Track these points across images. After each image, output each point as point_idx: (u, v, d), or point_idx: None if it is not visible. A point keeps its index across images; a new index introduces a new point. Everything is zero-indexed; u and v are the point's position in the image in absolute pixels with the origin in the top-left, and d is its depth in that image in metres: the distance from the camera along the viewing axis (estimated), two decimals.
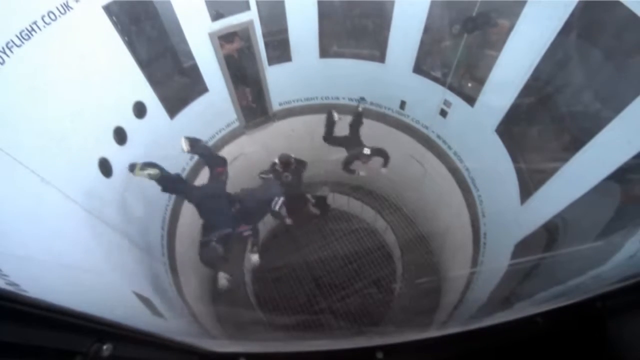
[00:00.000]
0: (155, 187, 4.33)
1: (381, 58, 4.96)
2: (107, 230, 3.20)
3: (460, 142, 4.89)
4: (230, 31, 4.44)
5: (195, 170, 5.09)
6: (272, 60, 5.05)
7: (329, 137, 5.03)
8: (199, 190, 3.94)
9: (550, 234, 3.52)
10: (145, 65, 3.87)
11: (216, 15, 4.23)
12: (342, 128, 5.02)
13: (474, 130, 4.43)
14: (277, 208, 4.12)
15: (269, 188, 4.39)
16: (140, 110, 3.88)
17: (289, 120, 5.84)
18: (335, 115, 4.88)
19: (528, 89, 3.56)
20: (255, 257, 4.11)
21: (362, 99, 5.14)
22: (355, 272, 6.61)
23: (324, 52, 5.12)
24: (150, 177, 3.58)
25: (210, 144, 5.30)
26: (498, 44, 3.72)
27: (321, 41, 4.97)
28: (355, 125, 5.02)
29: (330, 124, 4.93)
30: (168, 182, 3.73)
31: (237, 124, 5.51)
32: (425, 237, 6.58)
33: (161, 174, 3.63)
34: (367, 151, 4.67)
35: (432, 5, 4.06)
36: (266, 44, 4.82)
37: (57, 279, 2.23)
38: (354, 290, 6.30)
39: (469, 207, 4.86)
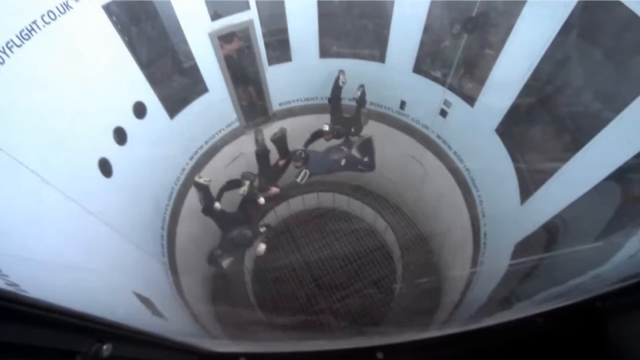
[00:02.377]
0: (154, 188, 4.33)
1: (381, 58, 4.96)
2: (107, 230, 3.20)
3: (460, 142, 4.89)
4: (230, 31, 4.44)
5: (195, 171, 5.09)
6: (272, 60, 5.05)
7: (333, 100, 5.05)
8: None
9: (550, 234, 3.52)
10: (145, 65, 3.87)
11: (216, 15, 4.23)
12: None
13: (474, 130, 4.43)
14: (301, 181, 4.23)
15: (333, 154, 4.50)
16: (140, 110, 3.88)
17: (289, 120, 5.84)
18: (342, 79, 4.89)
19: (528, 89, 3.56)
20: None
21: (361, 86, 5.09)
22: (355, 272, 6.61)
23: (324, 52, 5.12)
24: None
25: (210, 144, 5.31)
26: (498, 44, 3.72)
27: (321, 41, 4.97)
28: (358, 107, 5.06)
29: (336, 87, 4.95)
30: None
31: (237, 124, 5.51)
32: (425, 237, 6.58)
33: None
34: (326, 127, 4.72)
35: (432, 5, 4.06)
36: (266, 44, 4.82)
37: (57, 279, 2.23)
38: (354, 291, 6.30)
39: (469, 207, 4.86)
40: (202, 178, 4.22)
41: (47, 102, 2.69)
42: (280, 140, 4.84)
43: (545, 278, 3.26)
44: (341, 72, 4.91)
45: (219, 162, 5.42)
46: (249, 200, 4.40)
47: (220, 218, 4.36)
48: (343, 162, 4.49)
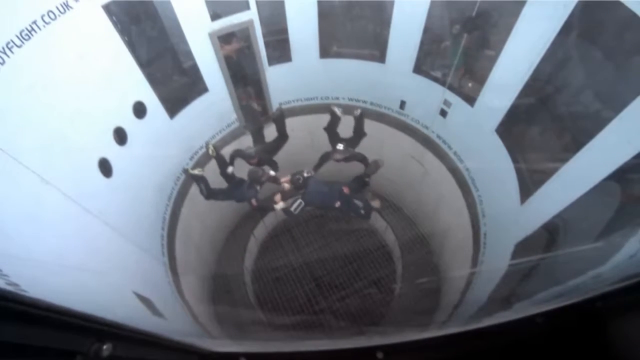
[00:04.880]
0: (154, 188, 4.34)
1: (381, 58, 4.95)
2: (107, 230, 3.20)
3: (460, 142, 4.89)
4: (229, 31, 4.44)
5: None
6: (272, 60, 5.05)
7: (331, 134, 4.94)
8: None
9: (550, 234, 3.52)
10: (145, 65, 3.87)
11: (216, 15, 4.23)
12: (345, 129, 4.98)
13: (474, 130, 4.43)
14: (295, 211, 4.30)
15: (333, 193, 4.48)
16: (140, 110, 3.88)
17: (289, 120, 5.81)
18: (338, 112, 4.81)
19: (528, 89, 3.55)
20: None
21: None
22: (355, 272, 6.61)
23: (324, 52, 5.12)
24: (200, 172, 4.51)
25: (210, 144, 5.30)
26: (498, 44, 3.72)
27: (321, 41, 4.96)
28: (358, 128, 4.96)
29: (333, 121, 4.86)
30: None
31: (237, 124, 5.51)
32: (425, 237, 6.58)
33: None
34: (339, 146, 4.66)
35: (432, 6, 4.05)
36: (266, 44, 4.82)
37: (57, 279, 2.23)
38: (354, 290, 6.30)
39: (469, 207, 4.86)
40: (196, 169, 4.54)
41: (47, 102, 2.69)
42: (279, 119, 4.87)
43: (545, 278, 3.26)
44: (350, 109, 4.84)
45: None
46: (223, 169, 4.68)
47: (223, 193, 4.66)
48: (338, 204, 4.47)
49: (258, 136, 5.02)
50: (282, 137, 4.96)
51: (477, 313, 3.90)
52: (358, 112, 4.76)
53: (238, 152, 4.70)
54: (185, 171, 4.57)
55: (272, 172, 4.52)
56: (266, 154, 4.82)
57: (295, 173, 4.36)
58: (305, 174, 4.33)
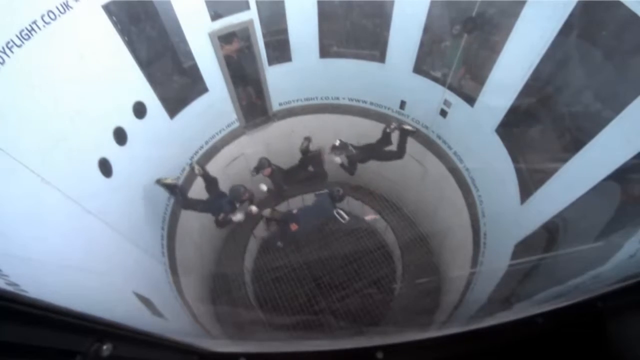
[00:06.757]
0: (154, 188, 4.34)
1: (381, 58, 4.96)
2: (107, 230, 3.20)
3: (460, 142, 4.89)
4: (230, 31, 4.44)
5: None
6: (272, 60, 5.05)
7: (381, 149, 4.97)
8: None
9: (550, 234, 3.52)
10: (145, 65, 3.87)
11: (216, 15, 4.23)
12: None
13: (474, 130, 4.43)
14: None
15: (322, 205, 4.60)
16: (140, 110, 3.88)
17: (289, 120, 5.84)
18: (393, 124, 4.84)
19: (528, 89, 3.56)
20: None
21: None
22: (355, 272, 6.60)
23: (324, 52, 5.12)
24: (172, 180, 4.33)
25: (210, 144, 5.31)
26: (498, 44, 3.72)
27: (321, 41, 4.97)
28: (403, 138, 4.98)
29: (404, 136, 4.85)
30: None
31: (237, 124, 5.51)
32: (425, 237, 6.58)
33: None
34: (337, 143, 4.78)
35: (432, 5, 4.06)
36: (266, 44, 4.82)
37: (57, 279, 2.23)
38: (354, 290, 6.29)
39: (469, 207, 4.86)
40: (168, 178, 4.33)
41: (47, 102, 2.69)
42: (315, 157, 5.00)
43: (545, 278, 3.27)
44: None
45: (219, 162, 5.42)
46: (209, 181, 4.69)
47: (201, 204, 4.67)
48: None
49: (302, 167, 5.13)
50: (321, 176, 5.12)
51: (477, 313, 3.90)
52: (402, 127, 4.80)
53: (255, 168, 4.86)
54: (158, 181, 4.22)
55: (258, 207, 4.57)
56: (295, 182, 4.96)
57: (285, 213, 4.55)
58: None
